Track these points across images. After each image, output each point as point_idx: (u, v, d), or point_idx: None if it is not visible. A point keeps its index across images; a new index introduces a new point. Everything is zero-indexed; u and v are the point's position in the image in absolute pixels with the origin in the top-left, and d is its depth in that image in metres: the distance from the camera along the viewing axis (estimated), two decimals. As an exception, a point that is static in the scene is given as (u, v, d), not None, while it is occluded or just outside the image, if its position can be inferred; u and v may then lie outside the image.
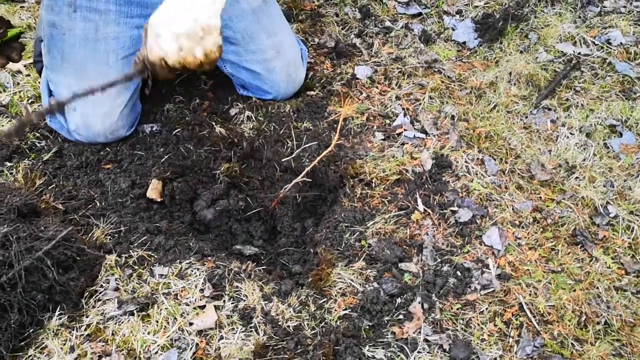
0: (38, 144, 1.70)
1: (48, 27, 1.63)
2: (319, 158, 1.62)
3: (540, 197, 1.67)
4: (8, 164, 1.62)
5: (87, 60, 1.63)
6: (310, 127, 1.88)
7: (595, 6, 2.42)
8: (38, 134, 1.73)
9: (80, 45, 1.62)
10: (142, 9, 1.63)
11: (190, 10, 1.24)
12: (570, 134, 1.87)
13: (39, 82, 1.87)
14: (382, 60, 2.16)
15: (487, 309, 1.39)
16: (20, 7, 2.24)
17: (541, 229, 1.59)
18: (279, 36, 1.72)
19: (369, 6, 2.38)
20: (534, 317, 1.38)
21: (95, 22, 1.59)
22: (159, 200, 1.62)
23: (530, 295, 1.42)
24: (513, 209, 1.63)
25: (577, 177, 1.73)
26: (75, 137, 1.69)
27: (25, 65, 1.94)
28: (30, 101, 1.82)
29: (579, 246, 1.56)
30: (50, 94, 1.70)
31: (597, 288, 1.45)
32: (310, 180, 1.76)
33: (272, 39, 1.81)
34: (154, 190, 1.61)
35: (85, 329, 1.28)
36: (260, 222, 1.76)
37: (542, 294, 1.43)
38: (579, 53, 2.18)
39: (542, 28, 2.29)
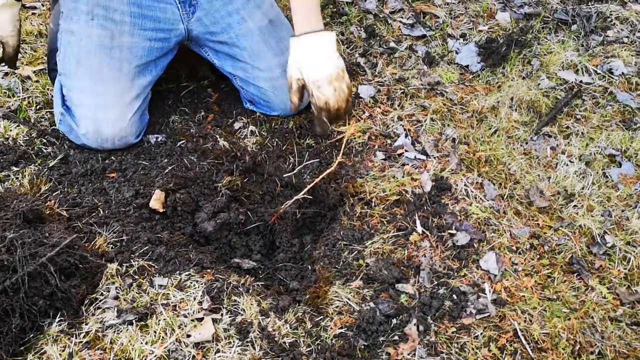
0: (44, 150, 1.72)
1: (66, 35, 1.70)
2: (321, 177, 1.64)
3: (538, 224, 1.69)
4: (14, 168, 1.64)
5: (102, 66, 1.68)
6: (313, 144, 1.90)
7: (598, 35, 2.46)
8: (45, 140, 1.75)
9: (96, 51, 1.68)
10: (155, 23, 1.68)
11: (327, 58, 1.53)
12: (570, 161, 1.89)
13: (49, 89, 1.90)
14: (385, 81, 2.19)
15: (482, 333, 1.40)
16: (32, 13, 2.27)
17: (538, 256, 1.61)
18: (285, 55, 1.75)
19: (374, 26, 2.41)
20: (529, 344, 1.39)
21: (111, 30, 1.66)
22: (161, 210, 1.64)
23: (525, 321, 1.44)
24: (511, 235, 1.65)
25: (575, 205, 1.75)
26: (82, 141, 1.71)
27: (34, 72, 1.97)
28: (38, 107, 1.85)
29: (575, 275, 1.57)
30: (63, 99, 1.73)
31: (592, 318, 1.46)
32: (310, 197, 1.78)
33: (279, 58, 1.84)
34: (156, 200, 1.63)
35: (84, 337, 1.29)
36: (260, 237, 1.77)
37: (537, 321, 1.44)
38: (581, 81, 2.21)
39: (544, 55, 2.32)
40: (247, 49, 1.82)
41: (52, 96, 1.88)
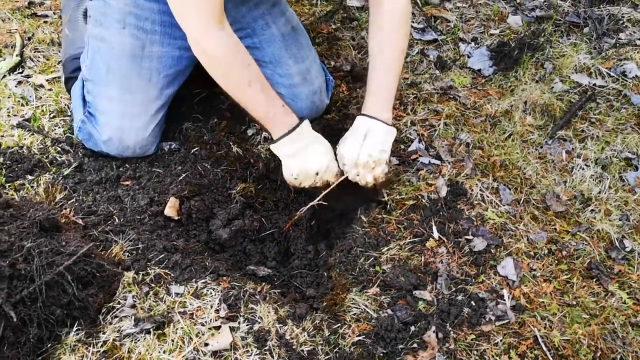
0: (59, 158, 1.72)
1: (95, 41, 1.70)
2: (335, 183, 1.63)
3: (555, 229, 1.68)
4: (29, 177, 1.64)
5: (131, 75, 1.69)
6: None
7: (610, 38, 2.44)
8: (59, 148, 1.75)
9: (128, 60, 1.68)
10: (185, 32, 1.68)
11: (366, 147, 1.61)
12: (586, 165, 1.88)
13: (62, 97, 1.90)
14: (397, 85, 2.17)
15: (501, 340, 1.39)
16: (44, 21, 2.28)
17: (556, 261, 1.59)
18: (306, 63, 1.75)
19: (386, 31, 2.40)
20: (549, 350, 1.38)
21: (142, 40, 1.66)
22: (176, 218, 1.63)
23: (545, 328, 1.42)
24: (528, 240, 1.64)
25: (592, 210, 1.74)
26: (102, 148, 1.71)
27: (47, 80, 1.97)
28: (52, 115, 1.85)
29: (594, 280, 1.56)
30: (85, 105, 1.73)
31: (613, 323, 1.45)
32: (325, 203, 1.77)
33: (299, 65, 1.84)
34: (171, 208, 1.63)
35: (102, 346, 1.28)
36: (274, 244, 1.76)
37: (557, 327, 1.42)
38: (594, 84, 2.20)
39: (557, 58, 2.31)
40: (269, 54, 1.82)
41: (66, 104, 1.88)
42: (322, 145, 1.66)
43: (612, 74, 2.25)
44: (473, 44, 2.41)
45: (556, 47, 2.35)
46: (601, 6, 2.59)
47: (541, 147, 1.95)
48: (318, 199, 1.65)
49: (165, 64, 1.71)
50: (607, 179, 1.83)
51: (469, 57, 2.34)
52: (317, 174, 1.62)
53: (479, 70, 2.29)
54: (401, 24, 1.65)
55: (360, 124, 1.65)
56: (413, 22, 2.47)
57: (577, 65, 2.26)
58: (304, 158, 1.62)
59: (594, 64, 2.26)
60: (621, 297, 1.51)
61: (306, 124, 1.62)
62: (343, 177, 1.66)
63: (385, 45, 1.66)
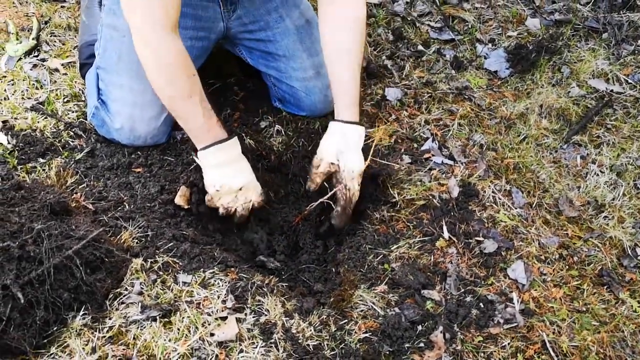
0: (71, 143, 1.72)
1: (108, 29, 1.70)
2: (331, 193, 1.62)
3: (567, 234, 1.66)
4: (41, 160, 1.64)
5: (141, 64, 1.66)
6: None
7: (629, 44, 2.41)
8: (72, 133, 1.75)
9: None
10: (196, 22, 1.67)
11: (360, 154, 1.62)
12: (601, 171, 1.85)
13: (76, 82, 1.90)
14: (412, 84, 2.16)
15: (509, 344, 1.37)
16: (61, 6, 2.28)
17: (567, 267, 1.57)
18: (320, 57, 1.73)
19: (402, 29, 2.39)
20: (557, 356, 1.36)
21: None
22: (186, 207, 1.63)
23: (553, 333, 1.41)
24: (539, 244, 1.62)
25: (605, 216, 1.72)
26: (114, 136, 1.70)
27: (62, 64, 1.97)
28: (66, 100, 1.85)
29: (605, 287, 1.54)
30: (99, 92, 1.72)
31: (623, 331, 1.43)
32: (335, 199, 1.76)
33: (313, 59, 1.83)
34: (182, 197, 1.62)
35: (108, 331, 1.28)
36: (283, 237, 1.76)
37: (565, 333, 1.41)
38: (612, 90, 2.17)
39: (575, 62, 2.28)
40: (283, 47, 1.81)
41: (80, 89, 1.88)
42: (248, 165, 1.63)
43: (630, 80, 2.22)
44: (490, 45, 2.39)
45: (574, 52, 2.32)
46: (621, 12, 2.56)
47: (556, 152, 1.93)
48: (328, 195, 1.64)
49: None
50: (622, 186, 1.81)
51: (485, 58, 2.32)
52: (240, 189, 1.59)
53: (495, 71, 2.27)
54: (355, 31, 1.64)
55: (350, 132, 1.63)
56: (430, 21, 2.45)
57: (595, 70, 2.24)
58: (231, 170, 1.58)
59: (611, 70, 2.24)
60: (632, 306, 1.49)
61: (236, 141, 1.59)
62: (340, 187, 1.63)
63: (344, 52, 1.64)
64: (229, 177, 1.58)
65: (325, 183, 1.68)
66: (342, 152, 1.61)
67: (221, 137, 1.55)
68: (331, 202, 1.66)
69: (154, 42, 1.45)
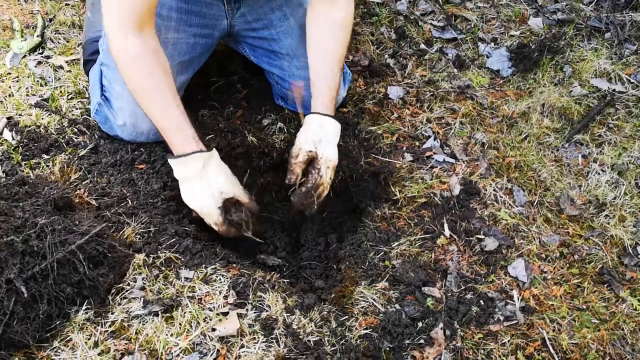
0: (75, 139, 1.73)
1: None
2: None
3: (568, 232, 1.66)
4: (45, 156, 1.65)
5: None
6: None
7: (631, 44, 2.41)
8: (76, 129, 1.76)
9: None
10: (200, 19, 1.68)
11: (336, 147, 1.65)
12: (602, 170, 1.86)
13: (80, 79, 1.91)
14: (414, 82, 2.17)
15: (509, 341, 1.38)
16: (66, 4, 2.29)
17: (567, 265, 1.58)
18: None
19: (405, 28, 2.40)
20: (557, 353, 1.37)
21: (158, 26, 1.63)
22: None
23: (553, 331, 1.41)
24: (540, 242, 1.63)
25: (606, 215, 1.72)
26: (117, 133, 1.71)
27: (67, 62, 1.98)
28: (70, 97, 1.86)
29: (606, 285, 1.54)
30: (102, 89, 1.73)
31: (623, 330, 1.43)
32: (336, 196, 1.77)
33: None
34: (184, 193, 1.63)
35: (110, 326, 1.29)
36: (285, 234, 1.77)
37: (565, 330, 1.41)
38: (614, 90, 2.17)
39: (577, 62, 2.28)
40: (286, 46, 1.81)
41: (84, 86, 1.89)
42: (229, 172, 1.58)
43: (632, 80, 2.22)
44: (492, 44, 2.39)
45: (576, 51, 2.33)
46: (624, 12, 2.56)
47: (557, 150, 1.93)
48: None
49: (180, 51, 1.70)
50: (623, 185, 1.81)
51: (488, 57, 2.32)
52: (221, 192, 1.52)
53: (498, 70, 2.27)
54: (338, 33, 1.70)
55: (329, 124, 1.65)
56: (433, 20, 2.45)
57: (597, 70, 2.24)
58: (207, 178, 1.52)
59: (614, 69, 2.24)
60: (632, 304, 1.49)
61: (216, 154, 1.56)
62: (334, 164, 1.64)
63: (329, 54, 1.69)
64: (208, 185, 1.52)
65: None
66: (320, 140, 1.62)
67: (200, 147, 1.51)
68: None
69: (121, 43, 1.46)
